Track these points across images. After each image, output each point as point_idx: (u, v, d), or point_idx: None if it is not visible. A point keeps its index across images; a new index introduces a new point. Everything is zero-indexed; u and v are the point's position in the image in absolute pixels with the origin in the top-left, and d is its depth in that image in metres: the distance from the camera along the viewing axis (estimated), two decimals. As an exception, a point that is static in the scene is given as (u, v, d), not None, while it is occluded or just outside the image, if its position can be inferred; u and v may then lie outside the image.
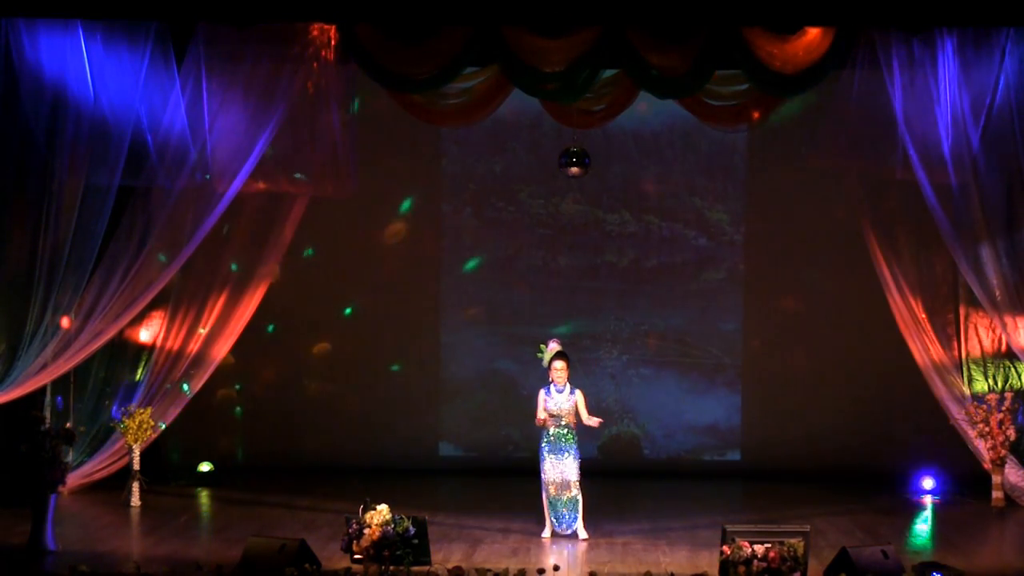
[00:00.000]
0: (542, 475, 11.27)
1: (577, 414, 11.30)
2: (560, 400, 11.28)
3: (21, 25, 11.87)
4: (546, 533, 11.25)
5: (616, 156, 14.69)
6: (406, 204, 15.03)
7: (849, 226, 13.85)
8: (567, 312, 14.94)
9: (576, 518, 11.24)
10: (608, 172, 14.57)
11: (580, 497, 11.25)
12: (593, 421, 11.25)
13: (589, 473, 11.78)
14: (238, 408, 15.09)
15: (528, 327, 14.74)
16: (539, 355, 11.48)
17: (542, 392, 11.33)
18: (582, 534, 11.24)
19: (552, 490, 11.24)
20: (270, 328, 14.81)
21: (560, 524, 11.24)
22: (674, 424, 14.92)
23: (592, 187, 14.42)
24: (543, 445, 11.31)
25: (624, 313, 14.95)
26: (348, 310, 15.09)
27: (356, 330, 15.08)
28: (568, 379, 11.32)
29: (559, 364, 11.30)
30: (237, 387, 15.02)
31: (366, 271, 15.04)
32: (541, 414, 11.24)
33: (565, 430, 11.27)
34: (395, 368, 15.09)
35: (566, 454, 11.24)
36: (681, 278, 14.92)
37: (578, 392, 11.35)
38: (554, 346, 11.43)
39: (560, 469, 11.22)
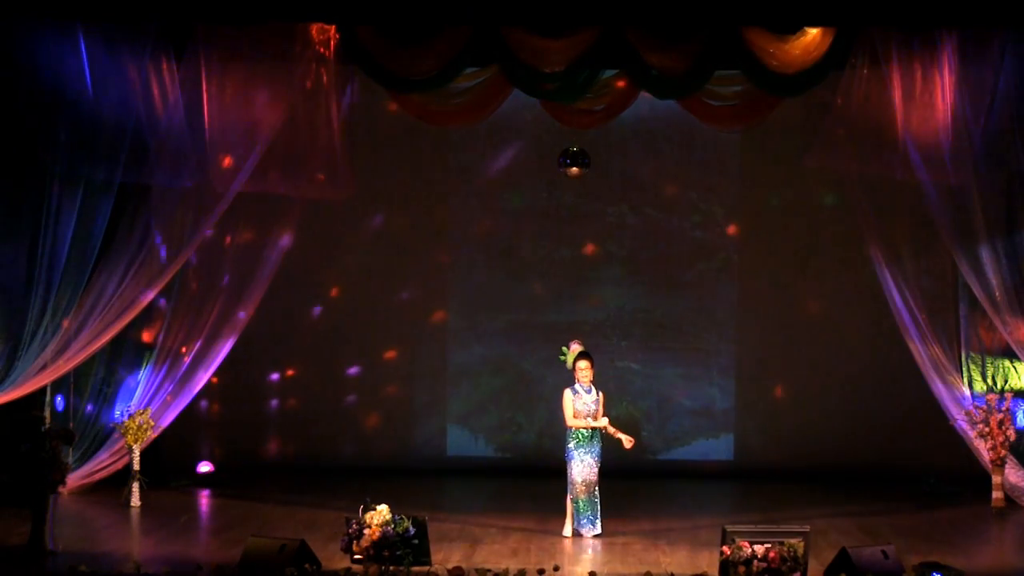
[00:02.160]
0: (570, 475, 11.26)
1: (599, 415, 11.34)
2: (588, 400, 11.29)
3: (21, 25, 11.86)
4: (567, 532, 11.25)
5: (616, 151, 14.67)
6: (408, 199, 15.08)
7: (847, 224, 13.87)
8: (569, 300, 14.96)
9: (597, 518, 11.24)
10: (608, 167, 14.55)
11: (599, 498, 11.27)
12: (603, 423, 11.27)
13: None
14: (239, 408, 15.06)
15: (532, 315, 14.87)
16: (561, 357, 11.46)
17: (568, 392, 11.33)
18: (596, 530, 11.23)
19: (581, 490, 11.22)
20: (281, 323, 14.87)
21: (588, 525, 11.22)
22: (671, 408, 14.93)
23: (593, 181, 14.31)
24: (572, 445, 11.28)
25: (623, 301, 14.97)
26: (347, 310, 15.10)
27: (359, 327, 15.07)
28: (592, 379, 11.34)
29: (583, 364, 11.31)
30: (236, 387, 15.01)
31: (369, 268, 15.05)
32: (571, 419, 11.24)
33: (592, 431, 11.28)
34: (401, 360, 15.08)
35: (594, 454, 11.25)
36: (677, 268, 14.94)
37: (600, 393, 11.37)
38: (576, 346, 11.43)
39: (589, 470, 11.22)
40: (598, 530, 11.22)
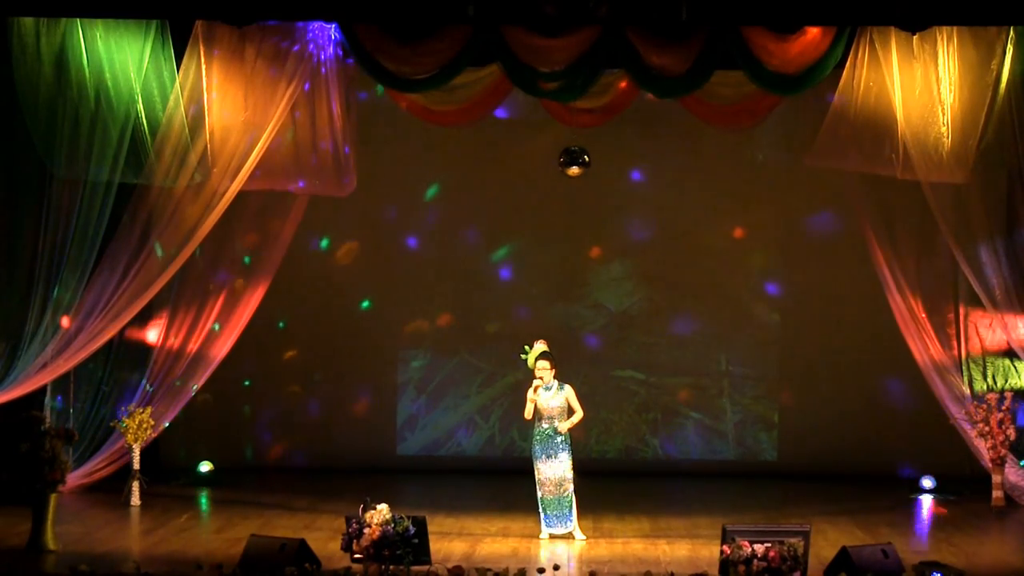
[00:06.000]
0: (536, 475, 11.26)
1: (569, 411, 11.28)
2: (548, 398, 11.24)
3: (21, 23, 11.85)
4: (544, 534, 11.23)
5: (619, 149, 14.58)
6: (405, 203, 15.07)
7: (847, 224, 13.88)
8: (572, 304, 14.95)
9: (572, 517, 11.22)
10: (610, 164, 14.49)
11: (573, 496, 11.23)
12: (564, 426, 11.20)
13: (592, 473, 11.78)
14: (239, 408, 15.07)
15: (530, 316, 14.79)
16: (523, 356, 11.42)
17: (531, 390, 11.27)
18: (578, 535, 11.21)
19: (547, 490, 11.21)
20: (281, 324, 14.85)
21: (556, 524, 11.21)
22: (674, 414, 14.88)
23: (593, 180, 14.24)
24: (535, 445, 11.28)
25: (622, 311, 14.92)
26: (365, 303, 15.07)
27: (355, 328, 15.06)
28: (555, 376, 11.26)
29: (542, 364, 11.24)
30: (237, 386, 15.01)
31: (365, 270, 15.04)
32: (529, 412, 11.22)
33: (556, 429, 11.26)
34: (397, 359, 15.08)
35: (560, 453, 11.21)
36: (677, 275, 14.90)
37: (567, 387, 11.30)
38: (539, 346, 11.37)
39: (554, 468, 11.20)
40: (570, 528, 11.18)
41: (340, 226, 14.90)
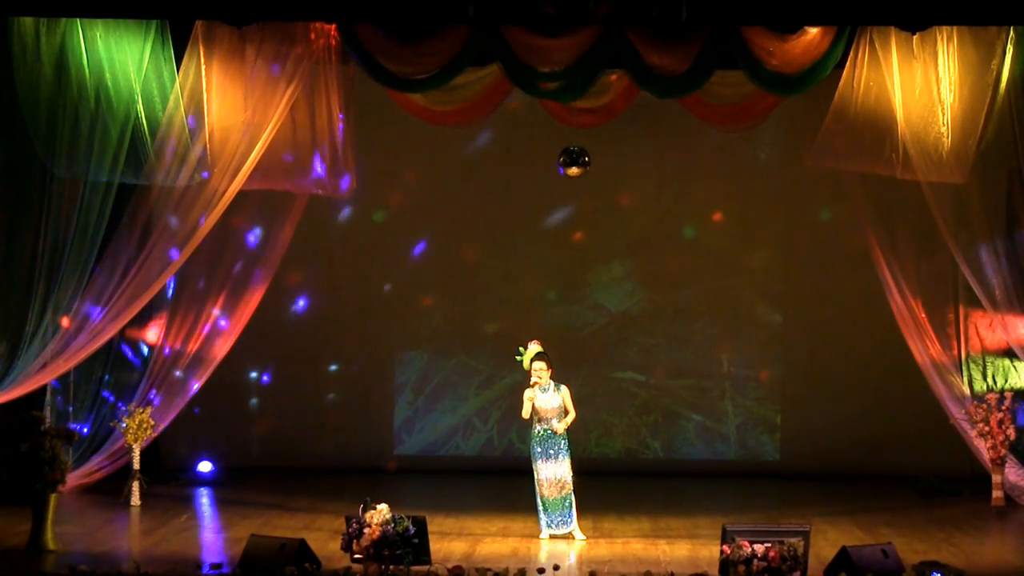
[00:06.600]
0: (536, 476, 11.26)
1: (564, 411, 11.28)
2: (546, 399, 11.24)
3: (21, 23, 11.86)
4: (544, 534, 11.23)
5: (619, 149, 14.57)
6: (403, 203, 15.08)
7: (848, 224, 13.88)
8: (572, 304, 14.92)
9: (572, 517, 11.23)
10: (612, 170, 14.49)
11: (573, 496, 11.24)
12: (560, 426, 11.22)
13: (593, 473, 11.77)
14: (238, 408, 15.06)
15: (528, 316, 14.70)
16: (518, 358, 11.40)
17: (527, 392, 11.27)
18: (578, 535, 11.21)
19: (547, 490, 11.22)
20: (279, 324, 14.86)
21: (557, 525, 11.22)
22: (674, 416, 14.87)
23: (594, 179, 14.19)
24: (534, 446, 11.29)
25: (622, 312, 14.91)
26: (345, 309, 15.09)
27: (355, 328, 15.06)
28: (552, 377, 11.27)
29: (539, 365, 11.24)
30: (236, 387, 15.00)
31: (365, 269, 15.04)
32: (527, 412, 11.21)
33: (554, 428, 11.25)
34: (395, 359, 15.08)
35: (558, 453, 11.22)
36: (678, 275, 14.89)
37: (564, 388, 11.30)
38: (533, 347, 11.36)
39: (554, 469, 11.20)
40: (570, 528, 11.18)
41: (338, 226, 14.88)
